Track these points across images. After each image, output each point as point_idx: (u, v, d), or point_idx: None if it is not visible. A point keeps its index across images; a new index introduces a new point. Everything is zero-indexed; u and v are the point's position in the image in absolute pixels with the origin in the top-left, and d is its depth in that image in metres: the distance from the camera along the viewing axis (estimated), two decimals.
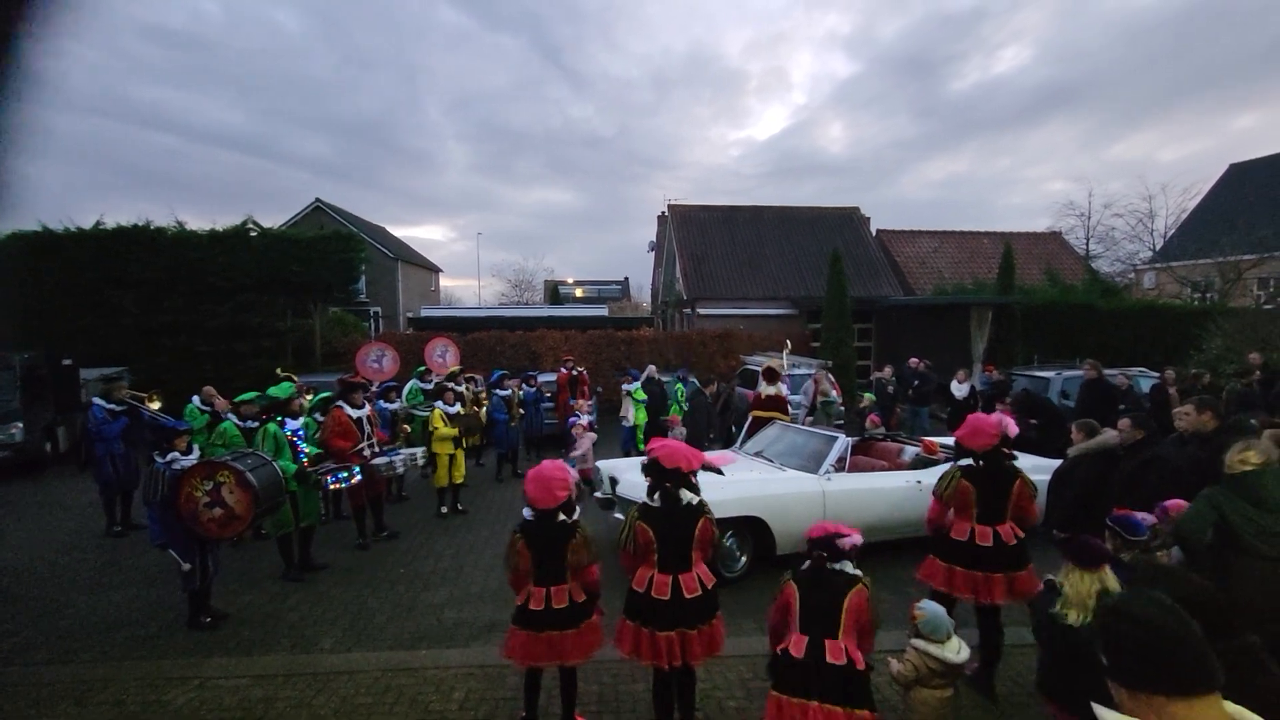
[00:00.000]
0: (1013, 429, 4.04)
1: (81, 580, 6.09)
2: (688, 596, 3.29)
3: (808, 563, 3.14)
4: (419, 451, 7.55)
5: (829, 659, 2.95)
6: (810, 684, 2.96)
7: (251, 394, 6.88)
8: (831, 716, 2.88)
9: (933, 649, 3.20)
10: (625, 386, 10.89)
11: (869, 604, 2.97)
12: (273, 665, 4.48)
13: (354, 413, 7.05)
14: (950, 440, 5.95)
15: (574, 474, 3.54)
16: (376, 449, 7.04)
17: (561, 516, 3.41)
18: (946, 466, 4.55)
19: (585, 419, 9.59)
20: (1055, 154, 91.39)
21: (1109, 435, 4.52)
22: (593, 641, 3.48)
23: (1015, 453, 4.22)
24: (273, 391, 6.66)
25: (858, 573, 3.08)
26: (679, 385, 10.99)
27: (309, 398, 7.41)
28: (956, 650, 3.20)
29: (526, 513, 3.49)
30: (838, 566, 3.04)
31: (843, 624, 2.98)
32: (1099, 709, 1.27)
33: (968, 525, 3.94)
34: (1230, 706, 1.24)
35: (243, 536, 6.35)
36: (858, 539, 3.08)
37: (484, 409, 10.33)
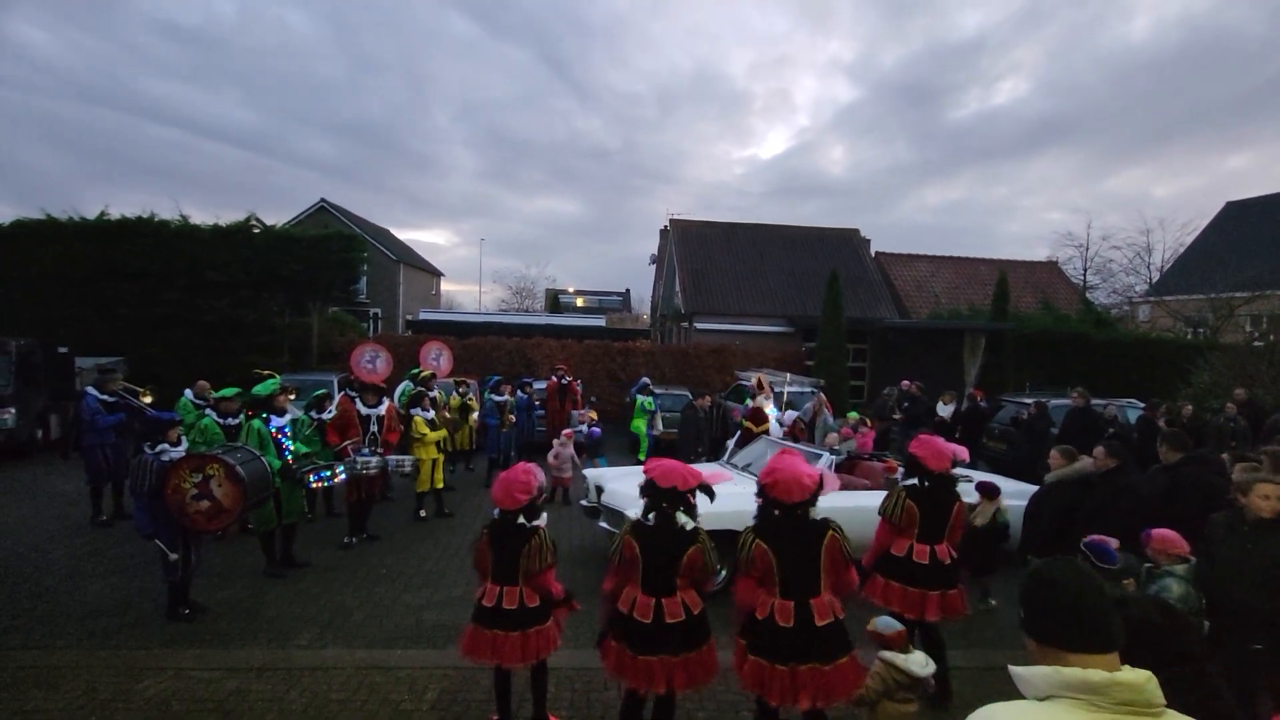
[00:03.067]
0: (963, 453, 4.19)
1: (62, 568, 6.09)
2: (669, 622, 3.14)
3: (775, 512, 3.16)
4: (408, 459, 7.50)
5: (818, 622, 3.01)
6: (797, 649, 3.00)
7: (231, 390, 6.89)
8: (818, 676, 2.95)
9: (899, 660, 3.24)
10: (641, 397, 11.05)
11: (841, 546, 3.09)
12: (247, 659, 4.49)
13: (365, 410, 7.14)
14: None
15: (540, 479, 3.56)
16: (373, 449, 7.09)
17: (521, 520, 3.45)
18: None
19: (585, 429, 9.69)
20: (1051, 185, 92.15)
21: (1085, 462, 4.58)
22: (537, 647, 3.44)
23: (962, 476, 4.36)
24: (257, 389, 6.73)
25: (825, 517, 3.21)
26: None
27: (291, 397, 7.48)
28: (923, 664, 3.25)
29: (496, 512, 3.56)
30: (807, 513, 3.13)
31: (823, 579, 3.05)
32: (1014, 669, 1.38)
33: (907, 543, 4.03)
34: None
35: (228, 530, 6.38)
36: (832, 479, 3.22)
37: (474, 413, 10.38)
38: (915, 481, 4.14)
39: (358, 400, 7.28)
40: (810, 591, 3.05)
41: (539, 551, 3.41)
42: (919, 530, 4.03)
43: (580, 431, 10.05)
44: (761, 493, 3.26)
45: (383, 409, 7.37)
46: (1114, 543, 3.48)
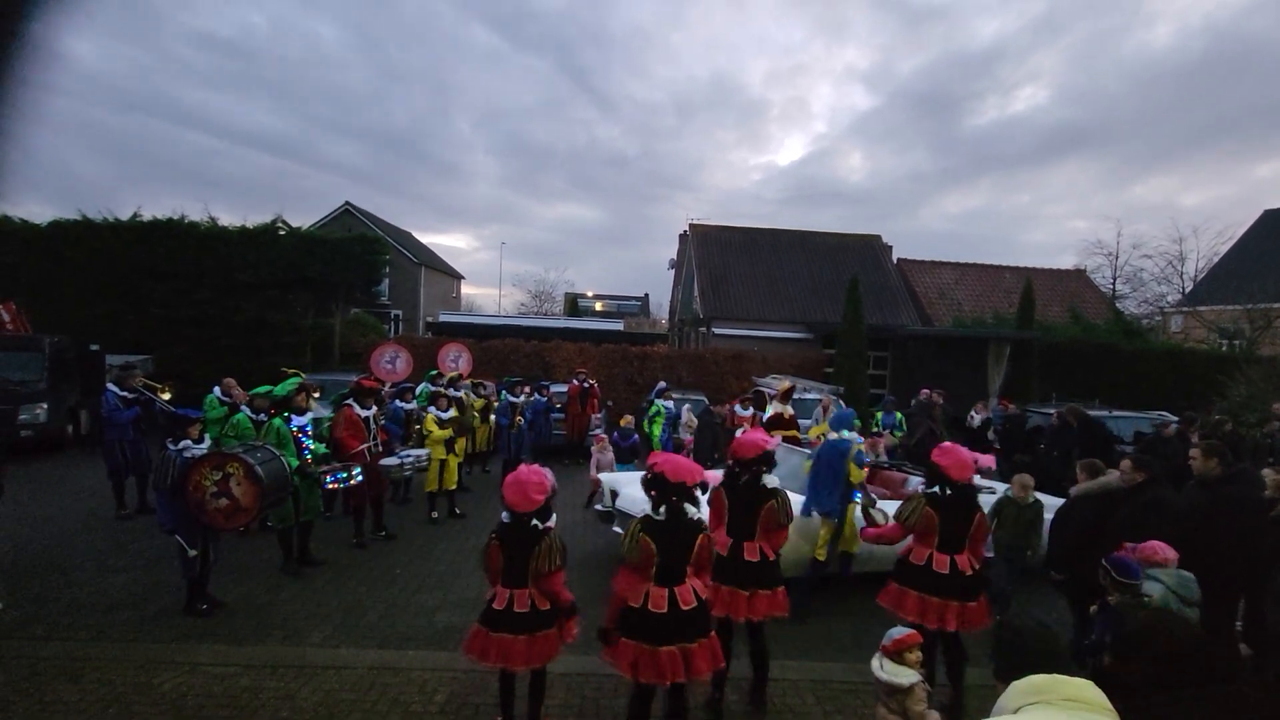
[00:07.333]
0: (985, 461, 4.20)
1: (86, 560, 6.22)
2: (684, 609, 3.27)
3: (745, 477, 4.03)
4: (424, 453, 7.63)
5: (746, 557, 3.94)
6: (729, 574, 3.91)
7: (265, 388, 7.02)
8: (735, 596, 3.88)
9: (873, 665, 3.28)
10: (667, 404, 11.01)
11: (777, 509, 3.94)
12: (262, 656, 4.53)
13: (362, 412, 7.21)
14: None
15: (552, 481, 3.56)
16: (380, 449, 7.16)
17: (534, 522, 3.45)
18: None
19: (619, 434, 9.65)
20: (1075, 193, 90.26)
21: (1111, 476, 4.45)
22: (545, 652, 3.46)
23: (983, 486, 4.32)
24: (277, 389, 6.80)
25: (776, 484, 4.04)
26: None
27: (316, 395, 7.54)
28: (902, 675, 3.17)
29: (505, 515, 3.54)
30: (764, 481, 3.99)
31: (758, 530, 3.96)
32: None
33: (926, 551, 4.01)
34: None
35: (249, 527, 6.47)
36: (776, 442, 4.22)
37: (492, 415, 10.42)
38: (936, 490, 4.09)
39: (355, 405, 7.28)
40: (746, 535, 3.97)
41: (549, 553, 3.40)
42: (939, 539, 3.99)
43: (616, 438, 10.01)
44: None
45: (374, 410, 7.41)
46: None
